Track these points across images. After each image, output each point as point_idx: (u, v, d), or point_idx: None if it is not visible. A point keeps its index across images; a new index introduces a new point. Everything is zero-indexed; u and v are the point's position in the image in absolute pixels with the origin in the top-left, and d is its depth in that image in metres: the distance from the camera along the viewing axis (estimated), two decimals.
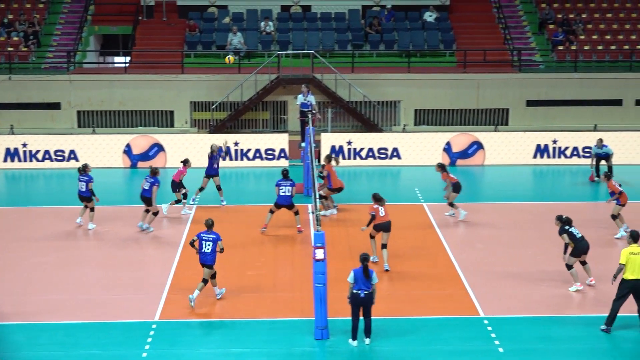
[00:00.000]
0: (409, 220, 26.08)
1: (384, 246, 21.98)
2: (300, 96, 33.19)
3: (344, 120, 36.95)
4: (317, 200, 19.90)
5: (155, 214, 24.98)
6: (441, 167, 26.30)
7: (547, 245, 23.25)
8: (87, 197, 25.20)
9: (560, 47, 38.98)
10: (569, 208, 25.60)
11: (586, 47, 38.99)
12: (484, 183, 32.14)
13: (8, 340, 18.09)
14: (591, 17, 40.73)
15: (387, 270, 21.81)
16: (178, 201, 26.57)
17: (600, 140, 30.98)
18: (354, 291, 17.60)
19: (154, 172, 25.01)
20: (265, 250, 23.44)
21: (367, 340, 17.83)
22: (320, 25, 40.24)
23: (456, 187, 26.04)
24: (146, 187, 24.83)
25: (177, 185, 26.40)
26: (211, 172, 27.51)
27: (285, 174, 24.80)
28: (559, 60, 38.84)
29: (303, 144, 30.35)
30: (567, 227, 20.53)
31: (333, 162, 26.81)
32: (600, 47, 39.03)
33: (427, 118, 37.45)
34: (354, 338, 17.85)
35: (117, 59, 43.92)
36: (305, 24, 40.26)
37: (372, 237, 22.50)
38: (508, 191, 30.26)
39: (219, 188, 27.69)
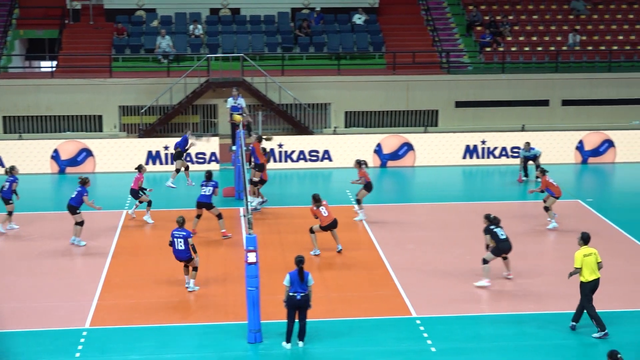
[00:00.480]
0: (341, 222, 26.08)
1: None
2: (230, 99, 33.07)
3: (275, 122, 36.88)
4: (248, 203, 19.84)
5: (80, 224, 24.34)
6: (359, 163, 26.67)
7: (476, 244, 23.45)
8: (7, 199, 25.24)
9: (488, 49, 39.45)
10: (498, 208, 25.91)
11: (513, 49, 39.51)
12: (414, 184, 32.38)
13: None
14: (518, 18, 41.29)
15: (340, 251, 22.87)
16: (150, 203, 26.34)
17: (528, 143, 31.47)
18: (290, 294, 17.60)
19: (84, 181, 24.53)
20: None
21: (301, 344, 17.84)
22: (249, 28, 40.15)
23: (368, 186, 26.30)
24: (72, 196, 24.31)
25: (137, 193, 26.24)
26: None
27: (208, 175, 24.96)
28: (486, 61, 39.29)
29: (234, 148, 30.24)
30: (492, 227, 20.85)
31: (264, 142, 27.89)
32: (527, 49, 39.58)
33: (357, 120, 37.58)
34: (288, 341, 17.83)
35: (43, 64, 43.25)
36: (235, 27, 40.12)
37: (312, 231, 22.97)
38: (438, 191, 30.52)
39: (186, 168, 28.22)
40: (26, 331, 18.69)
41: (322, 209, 22.96)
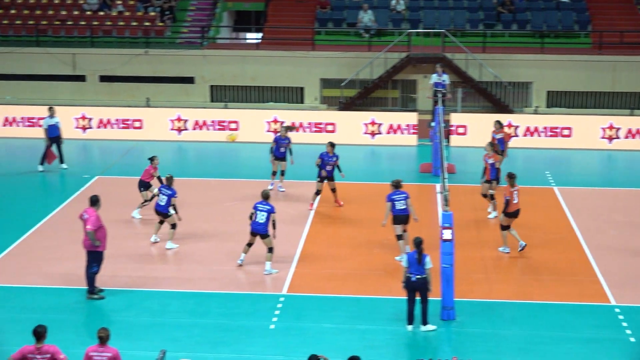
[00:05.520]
0: (538, 204, 25.67)
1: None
2: (434, 75, 32.99)
3: (474, 100, 36.55)
4: (445, 180, 19.78)
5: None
6: (499, 123, 26.38)
7: None
8: (163, 213, 22.02)
9: None
10: None
11: None
12: (617, 168, 31.21)
13: (142, 306, 18.67)
14: None
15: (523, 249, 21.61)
16: (145, 202, 24.18)
17: None
18: (407, 275, 17.48)
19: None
20: (392, 230, 23.36)
21: (423, 327, 17.59)
22: (451, 3, 39.84)
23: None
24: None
25: (145, 185, 24.13)
26: (278, 155, 26.35)
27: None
28: None
29: (433, 124, 30.20)
30: None
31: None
32: None
33: (559, 100, 36.69)
34: (409, 323, 17.71)
35: (249, 35, 44.48)
36: (437, 3, 39.91)
37: (503, 228, 21.67)
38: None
39: (282, 173, 26.51)
40: (226, 293, 19.43)
41: (515, 194, 21.46)
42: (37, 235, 23.00)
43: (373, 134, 33.12)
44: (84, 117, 33.73)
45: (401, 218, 20.98)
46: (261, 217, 20.19)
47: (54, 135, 29.03)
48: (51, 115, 29.04)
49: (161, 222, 22.19)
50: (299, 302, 19.02)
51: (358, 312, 18.52)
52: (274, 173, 26.61)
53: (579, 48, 37.68)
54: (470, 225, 23.73)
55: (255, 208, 20.31)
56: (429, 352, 16.44)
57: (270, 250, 20.37)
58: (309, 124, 33.29)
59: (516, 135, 32.34)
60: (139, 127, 33.68)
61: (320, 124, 33.32)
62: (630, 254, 21.77)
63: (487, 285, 19.92)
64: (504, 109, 35.46)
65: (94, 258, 18.86)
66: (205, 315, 18.33)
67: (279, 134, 26.78)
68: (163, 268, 20.86)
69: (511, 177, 21.37)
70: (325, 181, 24.98)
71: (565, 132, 32.71)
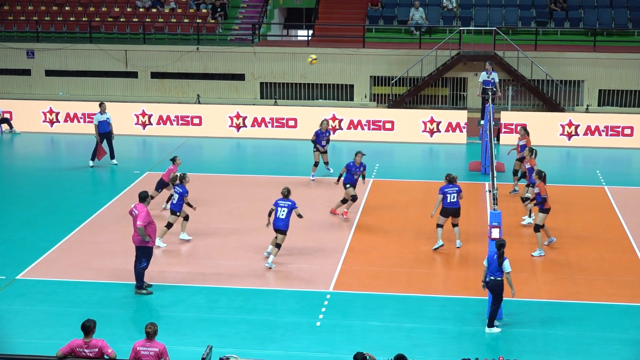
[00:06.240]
0: (589, 203, 25.45)
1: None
2: (483, 73, 32.78)
3: (525, 99, 36.29)
4: (495, 178, 19.67)
5: (186, 218, 22.42)
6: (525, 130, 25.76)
7: None
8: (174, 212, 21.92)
9: None
10: None
11: None
12: None
13: (189, 301, 18.81)
14: None
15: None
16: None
17: None
18: (486, 275, 17.39)
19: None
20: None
21: (488, 330, 17.40)
22: (503, 1, 39.57)
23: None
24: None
25: (164, 185, 24.12)
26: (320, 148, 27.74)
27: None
28: None
29: (482, 122, 30.01)
30: None
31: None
32: None
33: (612, 99, 36.28)
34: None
35: (300, 32, 44.59)
36: (488, 0, 39.68)
37: (537, 229, 21.45)
38: None
39: (326, 163, 27.93)
40: (273, 290, 19.51)
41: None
42: (87, 230, 23.28)
43: (431, 132, 32.95)
44: (143, 114, 34.05)
45: (450, 211, 21.36)
46: (282, 213, 20.46)
47: (104, 131, 29.33)
48: (102, 111, 29.33)
49: (186, 219, 22.29)
50: (345, 299, 19.03)
51: (404, 310, 18.49)
52: (316, 164, 27.69)
53: (632, 46, 37.22)
54: (518, 223, 23.59)
55: (276, 205, 20.60)
56: (475, 352, 16.34)
57: (278, 246, 20.56)
58: (367, 121, 33.23)
59: (576, 134, 32.12)
60: (198, 124, 33.90)
61: (378, 121, 33.25)
62: None
63: (535, 285, 19.78)
64: (555, 107, 35.15)
65: (144, 253, 19.04)
66: (252, 311, 18.41)
67: (320, 129, 27.67)
68: (210, 265, 20.96)
69: (541, 175, 21.31)
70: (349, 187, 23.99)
71: (627, 131, 32.33)
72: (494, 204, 18.11)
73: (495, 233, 17.65)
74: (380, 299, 19.06)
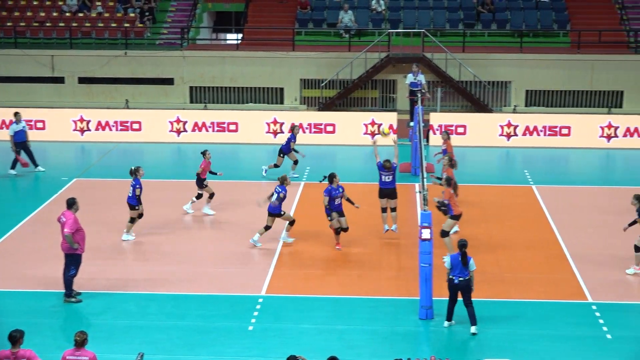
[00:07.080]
0: (516, 202, 25.79)
1: None
2: (410, 75, 33.05)
3: (454, 100, 36.63)
4: (424, 179, 19.80)
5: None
6: (447, 134, 25.87)
7: None
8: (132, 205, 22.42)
9: None
10: None
11: None
12: (596, 167, 31.40)
13: (120, 308, 18.60)
14: None
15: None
16: (212, 195, 24.66)
17: None
18: (450, 277, 17.50)
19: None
20: (372, 229, 23.38)
21: (473, 329, 17.55)
22: (431, 3, 39.91)
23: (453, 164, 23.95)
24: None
25: (201, 181, 24.44)
26: (286, 150, 27.98)
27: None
28: None
29: (412, 124, 30.24)
30: None
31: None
32: None
33: (538, 99, 36.82)
34: (448, 319, 17.79)
35: (229, 36, 44.42)
36: (417, 2, 39.98)
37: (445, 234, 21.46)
38: (628, 175, 29.38)
39: (295, 162, 28.14)
40: (204, 295, 19.38)
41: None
42: (13, 238, 22.89)
43: (372, 134, 33.11)
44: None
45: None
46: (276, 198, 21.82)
47: (21, 140, 28.56)
48: (17, 121, 28.58)
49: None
50: (277, 302, 19.01)
51: (336, 312, 18.52)
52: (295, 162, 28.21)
53: (558, 47, 37.83)
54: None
55: (276, 191, 21.89)
56: (407, 352, 16.43)
57: (291, 223, 22.42)
58: (308, 124, 33.34)
59: (515, 135, 32.56)
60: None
61: (319, 124, 33.42)
62: (606, 251, 21.89)
63: None
64: (483, 108, 35.56)
65: (72, 261, 18.77)
66: (184, 317, 18.28)
67: (292, 133, 28.16)
68: (141, 270, 20.77)
69: (450, 182, 21.17)
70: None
71: (565, 131, 32.91)
72: (424, 204, 18.22)
73: (426, 234, 17.78)
74: (313, 302, 19.07)
